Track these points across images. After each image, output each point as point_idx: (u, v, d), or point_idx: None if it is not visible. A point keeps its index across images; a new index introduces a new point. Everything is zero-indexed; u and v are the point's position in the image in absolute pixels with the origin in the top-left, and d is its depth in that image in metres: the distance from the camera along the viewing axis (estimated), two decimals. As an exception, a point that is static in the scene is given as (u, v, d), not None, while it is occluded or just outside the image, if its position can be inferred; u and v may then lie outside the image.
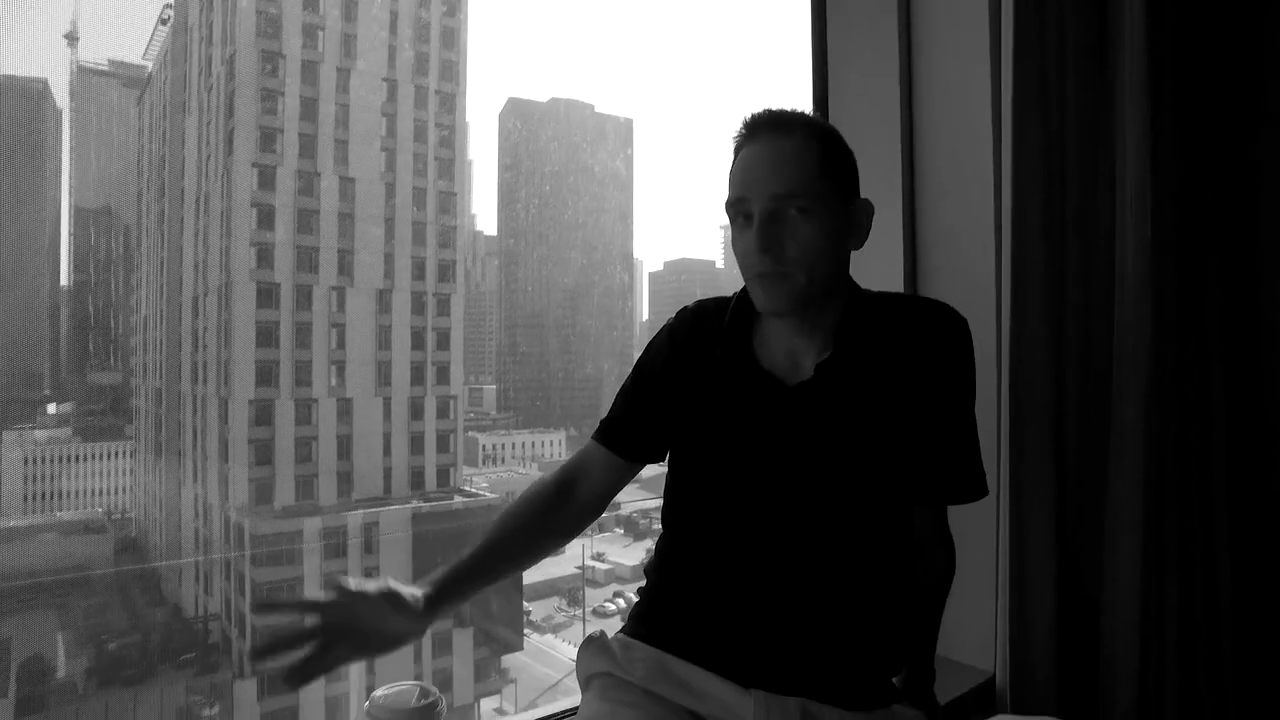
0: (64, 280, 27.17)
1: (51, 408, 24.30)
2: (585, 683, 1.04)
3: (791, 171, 0.90)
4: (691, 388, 1.01)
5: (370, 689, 0.94)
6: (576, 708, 1.12)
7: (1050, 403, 1.34)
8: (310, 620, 0.84)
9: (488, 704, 21.91)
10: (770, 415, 0.97)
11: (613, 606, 25.65)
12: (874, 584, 0.98)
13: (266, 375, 23.44)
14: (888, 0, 1.63)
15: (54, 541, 20.08)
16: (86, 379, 25.82)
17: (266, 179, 24.76)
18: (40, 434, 22.46)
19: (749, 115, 0.95)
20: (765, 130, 0.93)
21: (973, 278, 1.52)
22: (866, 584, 0.98)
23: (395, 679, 0.97)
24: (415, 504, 24.29)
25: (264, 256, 24.34)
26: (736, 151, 0.95)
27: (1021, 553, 1.35)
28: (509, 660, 23.28)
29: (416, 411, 26.01)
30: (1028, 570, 1.34)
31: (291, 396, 23.67)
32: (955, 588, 1.06)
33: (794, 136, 0.91)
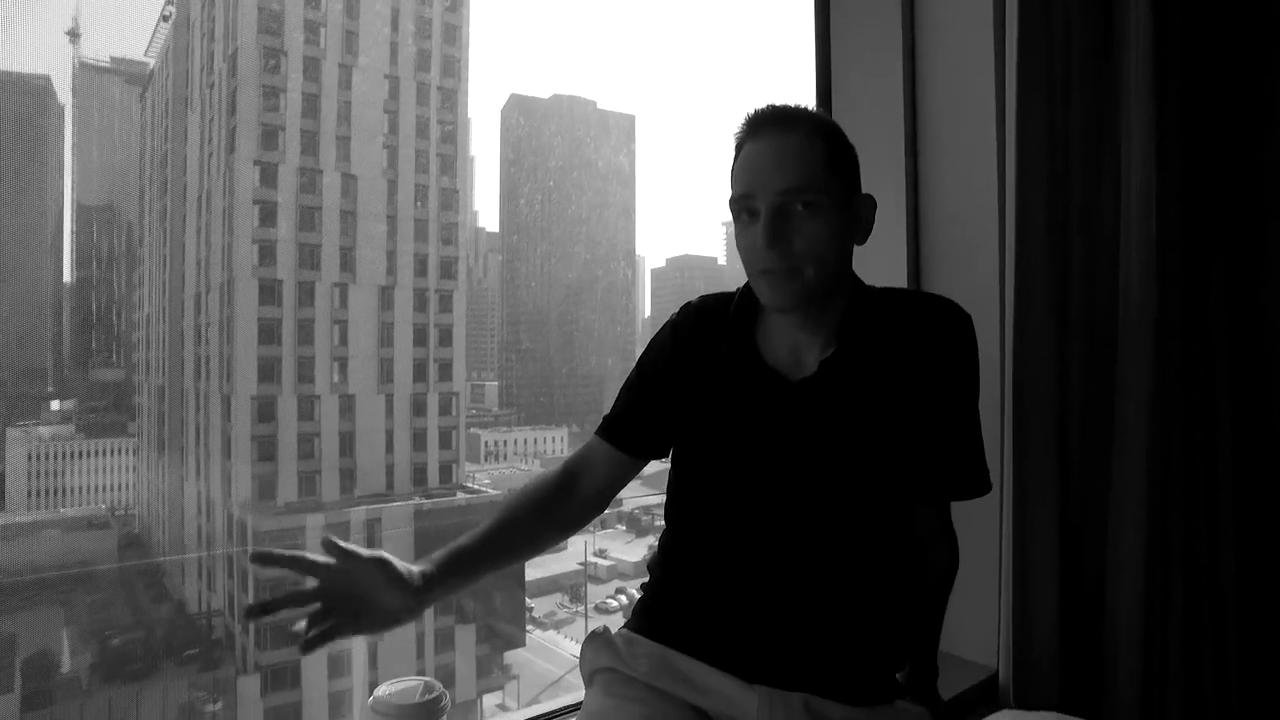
0: (67, 277, 27.21)
1: (55, 404, 24.34)
2: (589, 678, 1.05)
3: (797, 167, 0.90)
4: (695, 383, 1.01)
5: (373, 685, 0.95)
6: (580, 703, 1.12)
7: (1054, 400, 1.34)
8: (309, 582, 0.83)
9: (490, 700, 21.93)
10: (774, 411, 0.97)
11: (615, 603, 25.65)
12: (877, 580, 0.98)
13: (269, 372, 23.46)
14: (891, -4, 1.63)
15: (58, 538, 20.13)
16: (89, 376, 25.86)
17: (269, 176, 24.76)
18: (44, 430, 22.50)
19: (752, 111, 0.95)
20: (769, 126, 0.92)
21: (976, 274, 1.52)
22: (870, 580, 0.98)
23: (398, 675, 0.97)
24: (417, 500, 24.32)
25: (266, 253, 24.35)
26: (739, 148, 0.95)
27: (1025, 550, 1.35)
28: (511, 656, 23.31)
29: (419, 408, 26.03)
30: (1031, 567, 1.34)
31: (294, 393, 23.70)
32: (958, 584, 1.07)
33: (798, 132, 0.91)
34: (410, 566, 0.89)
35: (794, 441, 0.96)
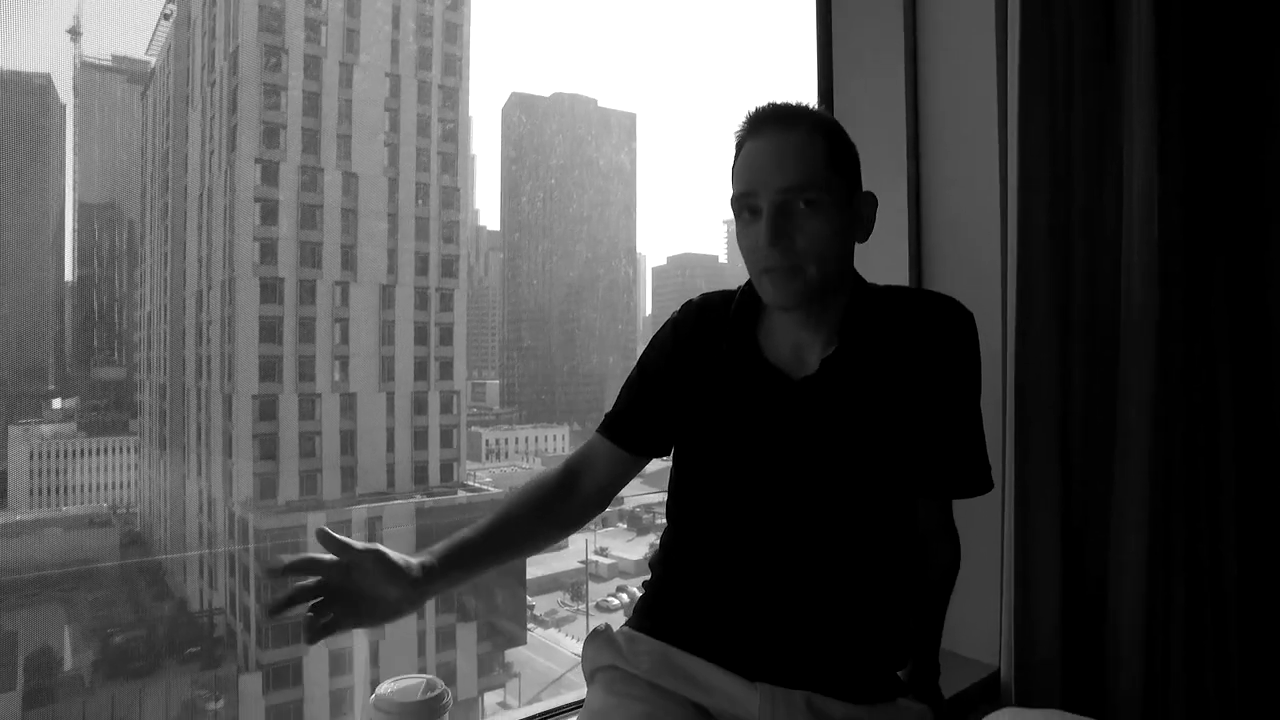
0: (68, 275, 27.22)
1: (56, 402, 24.36)
2: (591, 676, 1.05)
3: (798, 165, 0.90)
4: (696, 381, 1.01)
5: (375, 683, 0.95)
6: (582, 701, 1.12)
7: (1055, 402, 1.34)
8: (312, 580, 0.83)
9: (491, 698, 21.96)
10: (775, 409, 0.97)
11: (616, 601, 25.67)
12: (879, 578, 0.98)
13: (270, 370, 23.46)
14: (893, -5, 1.63)
15: (59, 536, 20.16)
16: (91, 374, 25.87)
17: (270, 174, 24.74)
18: (46, 429, 22.52)
19: (752, 110, 0.95)
20: (770, 124, 0.92)
21: (978, 276, 1.52)
22: (872, 578, 0.98)
23: (400, 672, 0.97)
24: (419, 499, 24.31)
25: (267, 252, 24.35)
26: (740, 146, 0.95)
27: (1027, 551, 1.35)
28: (512, 654, 23.32)
29: (420, 406, 26.02)
30: (1033, 569, 1.34)
31: (295, 391, 23.69)
32: (960, 582, 1.07)
33: (799, 130, 0.91)
34: (409, 559, 0.88)
35: (796, 440, 0.96)
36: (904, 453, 0.96)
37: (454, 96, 28.66)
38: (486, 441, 37.65)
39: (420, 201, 27.53)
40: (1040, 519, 1.34)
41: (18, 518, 20.25)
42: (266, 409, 23.15)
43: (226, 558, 21.23)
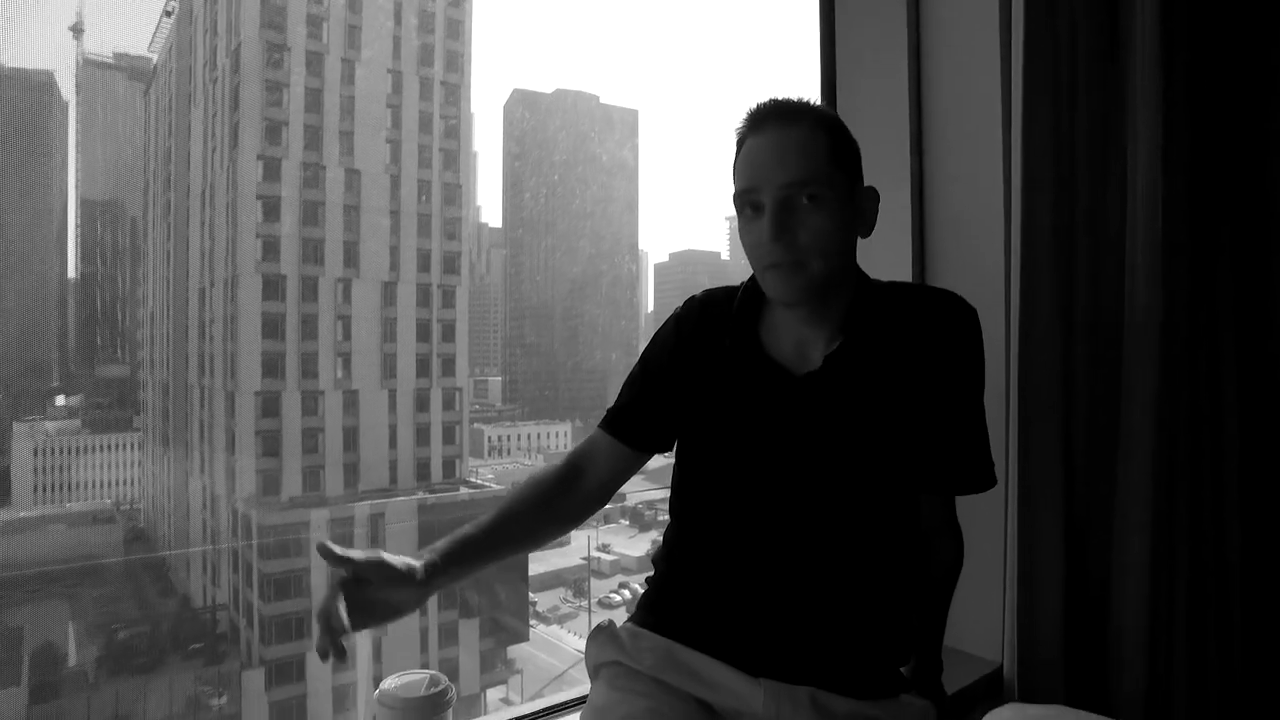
0: (71, 272, 27.27)
1: (60, 399, 24.43)
2: (594, 671, 1.05)
3: (800, 160, 0.90)
4: (699, 377, 1.01)
5: (378, 679, 0.95)
6: (585, 697, 1.12)
7: (1059, 403, 1.34)
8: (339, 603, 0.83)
9: (494, 694, 22.01)
10: (778, 405, 0.97)
11: (618, 597, 25.73)
12: (882, 574, 0.98)
13: (272, 367, 23.50)
14: (897, -8, 1.62)
15: (63, 532, 20.22)
16: (94, 371, 25.93)
17: (272, 171, 24.76)
18: (49, 425, 22.59)
19: (754, 106, 0.95)
20: (772, 120, 0.92)
21: (981, 273, 1.52)
22: (875, 574, 0.98)
23: (403, 669, 0.97)
24: (421, 495, 24.36)
25: (270, 249, 24.38)
26: (741, 143, 0.94)
27: (1030, 552, 1.35)
28: (515, 650, 23.37)
29: (422, 403, 26.06)
30: (1036, 569, 1.34)
31: (298, 388, 23.73)
32: (963, 579, 1.07)
33: (801, 125, 0.91)
34: (410, 561, 0.88)
35: (799, 436, 0.96)
36: (907, 449, 0.96)
37: (456, 93, 28.65)
38: (489, 438, 37.71)
39: (422, 198, 27.54)
40: (1043, 519, 1.34)
41: (22, 514, 20.31)
42: (269, 406, 23.19)
43: (229, 554, 21.28)
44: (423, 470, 25.54)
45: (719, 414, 1.00)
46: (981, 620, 1.50)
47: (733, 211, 0.96)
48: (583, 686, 1.26)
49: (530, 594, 25.23)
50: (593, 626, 1.07)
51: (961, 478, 1.01)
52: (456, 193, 28.45)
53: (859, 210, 0.96)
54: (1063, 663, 1.34)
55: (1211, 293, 1.31)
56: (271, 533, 21.21)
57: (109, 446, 23.18)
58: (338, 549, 0.84)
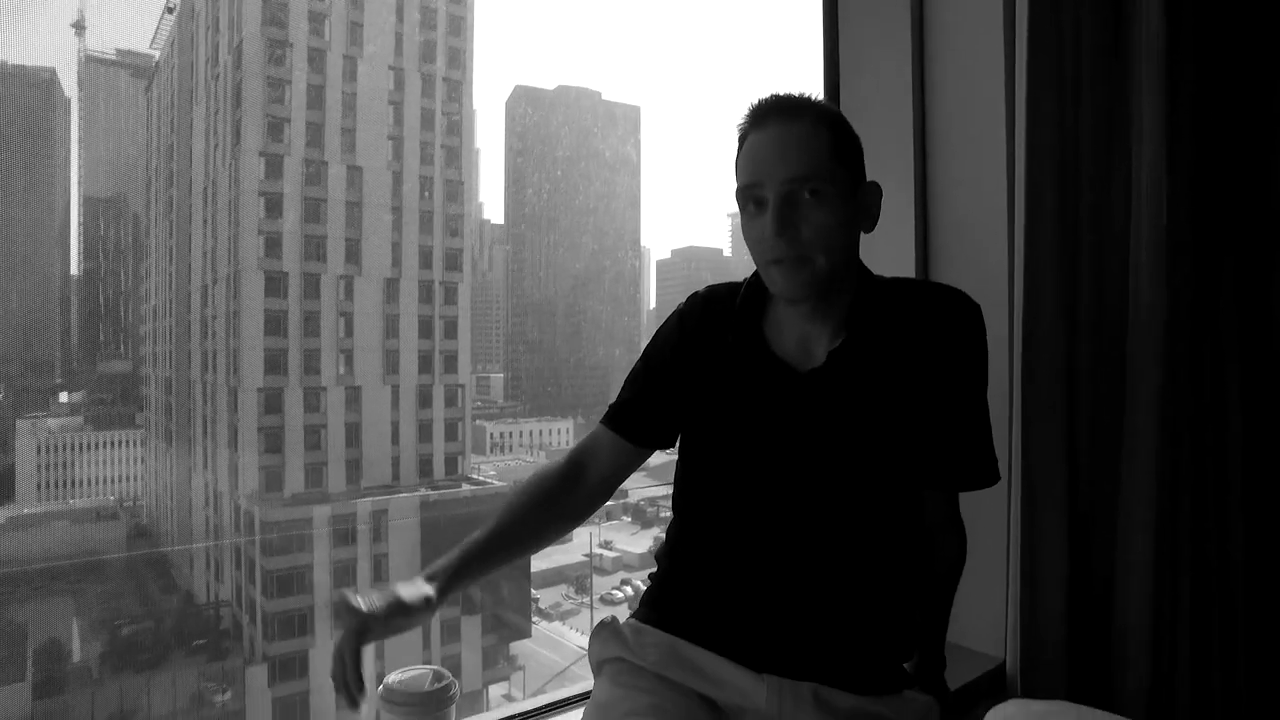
0: (74, 269, 27.29)
1: (63, 396, 24.47)
2: (597, 668, 1.05)
3: (802, 156, 0.89)
4: (702, 373, 1.01)
5: (381, 675, 0.95)
6: (588, 693, 1.12)
7: (1062, 401, 1.34)
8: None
9: (496, 690, 22.05)
10: (782, 402, 0.97)
11: (620, 594, 25.73)
12: (886, 570, 0.98)
13: (275, 364, 23.52)
14: (900, -12, 1.62)
15: (67, 528, 20.28)
16: (97, 368, 25.97)
17: (274, 168, 24.75)
18: (53, 422, 22.64)
19: (756, 101, 0.95)
20: (774, 115, 0.92)
21: (985, 270, 1.52)
22: (878, 570, 0.98)
23: (405, 665, 0.97)
24: (423, 492, 24.38)
25: (272, 245, 24.38)
26: (743, 139, 0.94)
27: (1033, 550, 1.35)
28: (517, 647, 23.41)
29: (424, 400, 26.07)
30: (1039, 566, 1.34)
31: (300, 385, 23.75)
32: (966, 575, 1.06)
33: (803, 121, 0.91)
34: (425, 590, 0.90)
35: (803, 432, 0.96)
36: (911, 445, 0.96)
37: (458, 89, 28.62)
38: (491, 435, 37.70)
39: (424, 195, 27.52)
40: (1047, 517, 1.34)
41: (26, 511, 20.38)
42: (272, 402, 23.22)
43: (232, 550, 21.32)
44: (425, 467, 25.56)
45: (722, 410, 1.00)
46: (985, 616, 1.50)
47: (735, 208, 0.96)
48: (585, 683, 1.26)
49: (532, 590, 25.27)
50: (595, 623, 1.07)
51: (964, 474, 1.01)
52: (459, 189, 28.43)
53: (862, 205, 0.96)
54: (1066, 659, 1.34)
55: (1216, 290, 1.31)
56: (274, 529, 21.25)
57: (112, 443, 23.23)
58: (362, 605, 0.85)
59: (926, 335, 0.96)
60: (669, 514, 1.11)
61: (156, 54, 29.27)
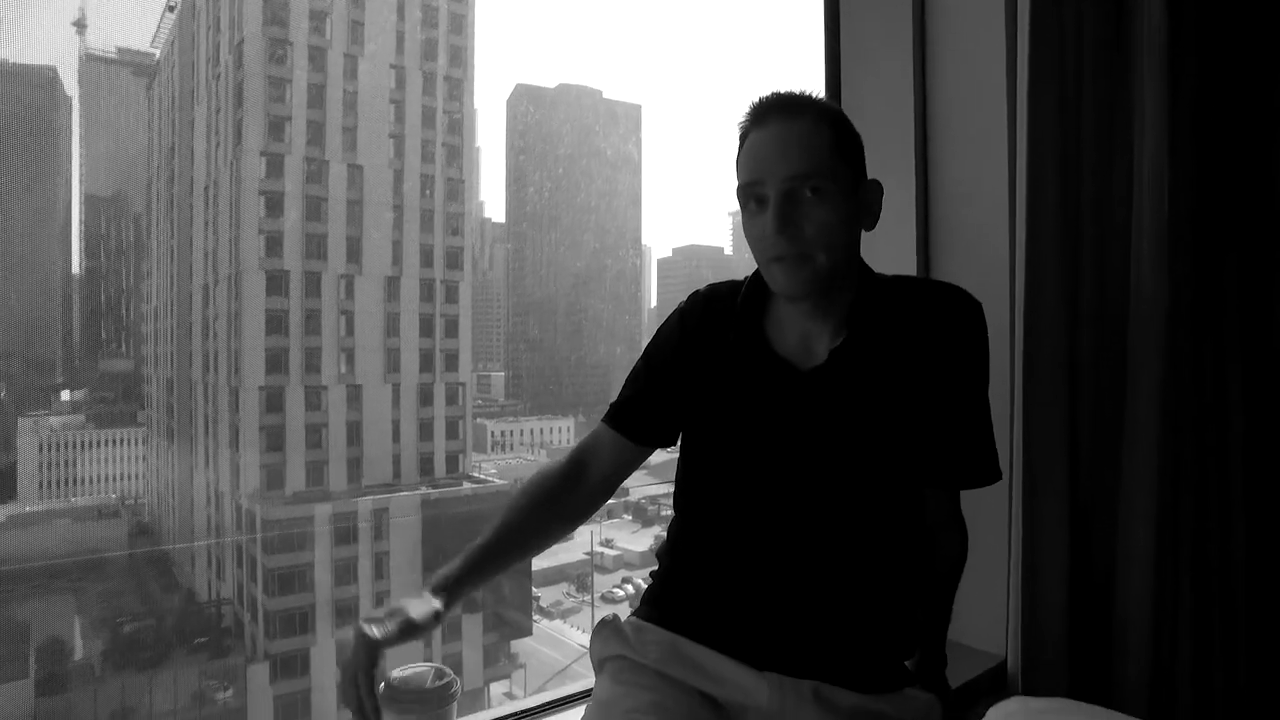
0: (75, 268, 27.31)
1: (65, 395, 24.49)
2: (599, 665, 1.05)
3: (804, 153, 0.89)
4: (703, 371, 1.01)
5: (382, 672, 0.95)
6: (590, 691, 1.12)
7: (1064, 393, 1.34)
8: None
9: (497, 688, 22.07)
10: (784, 400, 0.97)
11: (621, 592, 25.74)
12: (887, 568, 0.98)
13: (276, 363, 23.53)
14: (902, -16, 1.62)
15: (69, 527, 20.30)
16: (99, 366, 25.99)
17: (275, 166, 24.75)
18: (54, 420, 22.66)
19: (757, 99, 0.95)
20: (775, 113, 0.92)
21: (986, 264, 1.52)
22: (879, 568, 0.98)
23: (407, 663, 0.98)
24: (424, 490, 24.39)
25: (273, 244, 24.38)
26: (744, 137, 0.94)
27: (1034, 542, 1.35)
28: (518, 645, 23.43)
29: (425, 398, 26.07)
30: (1040, 561, 1.34)
31: (301, 383, 23.76)
32: (967, 572, 1.06)
33: (804, 118, 0.91)
34: (434, 605, 0.91)
35: (804, 430, 0.96)
36: (912, 443, 0.96)
37: (459, 88, 28.60)
38: (492, 433, 37.70)
39: (425, 193, 27.51)
40: (1048, 510, 1.34)
41: (28, 509, 20.41)
42: (273, 401, 23.23)
43: (234, 549, 21.35)
44: (426, 465, 25.57)
45: (724, 409, 1.00)
46: (986, 614, 1.50)
47: (736, 206, 0.96)
48: (586, 681, 1.26)
49: (533, 589, 25.28)
50: (597, 621, 1.07)
51: (966, 472, 1.01)
52: (460, 188, 28.42)
53: (863, 203, 0.96)
54: (1067, 655, 1.34)
55: (1217, 283, 1.31)
56: (275, 527, 21.27)
57: (113, 441, 23.25)
58: (377, 634, 0.87)
59: (928, 334, 0.96)
60: (670, 512, 1.11)
61: (157, 53, 29.29)
